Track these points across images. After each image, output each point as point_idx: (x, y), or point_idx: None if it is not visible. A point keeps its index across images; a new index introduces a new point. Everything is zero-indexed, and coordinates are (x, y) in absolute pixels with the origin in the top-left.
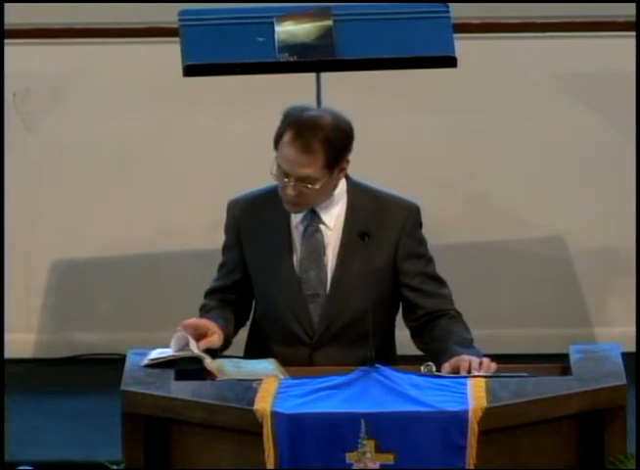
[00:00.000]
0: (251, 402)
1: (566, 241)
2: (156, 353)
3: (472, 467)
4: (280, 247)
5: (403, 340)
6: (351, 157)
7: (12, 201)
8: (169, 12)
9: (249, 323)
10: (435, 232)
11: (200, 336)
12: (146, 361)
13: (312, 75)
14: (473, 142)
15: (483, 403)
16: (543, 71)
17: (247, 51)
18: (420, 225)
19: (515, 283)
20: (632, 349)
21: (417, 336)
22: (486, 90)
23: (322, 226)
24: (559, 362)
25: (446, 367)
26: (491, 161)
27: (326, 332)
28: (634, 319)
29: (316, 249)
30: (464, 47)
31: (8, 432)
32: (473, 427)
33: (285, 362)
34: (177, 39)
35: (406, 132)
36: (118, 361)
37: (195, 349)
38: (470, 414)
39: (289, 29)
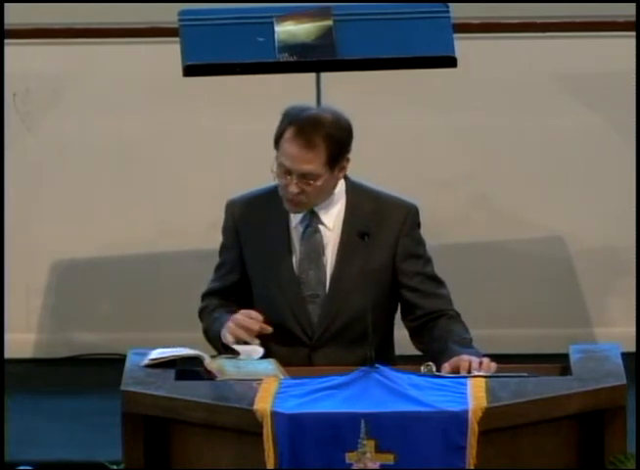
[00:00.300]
0: (251, 402)
1: (566, 241)
2: (156, 353)
3: (472, 467)
4: (279, 247)
5: (402, 340)
6: (351, 157)
7: (12, 201)
8: (169, 12)
9: None
10: (435, 232)
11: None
12: (146, 361)
13: (312, 75)
14: (473, 142)
15: (483, 403)
16: (543, 71)
17: (247, 51)
18: (418, 225)
19: (515, 283)
20: (632, 349)
21: (416, 336)
22: (486, 90)
23: (321, 227)
24: (559, 362)
25: (446, 367)
26: (491, 161)
27: (325, 332)
28: (634, 319)
29: (315, 249)
30: (464, 47)
31: (8, 432)
32: (473, 427)
33: (284, 363)
34: (177, 39)
35: (406, 132)
36: (118, 361)
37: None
38: (470, 414)
39: (289, 29)
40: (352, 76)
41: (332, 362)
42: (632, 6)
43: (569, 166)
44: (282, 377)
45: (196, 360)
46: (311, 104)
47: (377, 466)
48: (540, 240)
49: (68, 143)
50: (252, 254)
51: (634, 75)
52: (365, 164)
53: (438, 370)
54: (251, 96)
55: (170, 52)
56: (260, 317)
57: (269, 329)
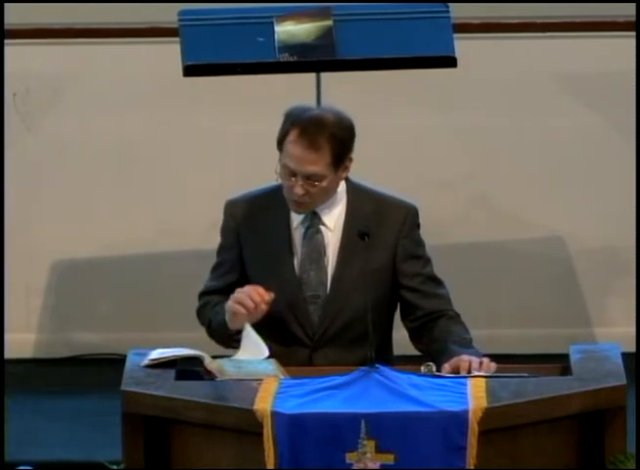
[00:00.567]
0: (252, 402)
1: (566, 241)
2: (156, 354)
3: (472, 467)
4: (280, 248)
5: (401, 340)
6: (352, 156)
7: (12, 201)
8: (169, 12)
9: None
10: (435, 232)
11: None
12: (146, 361)
13: (312, 75)
14: (473, 142)
15: (483, 403)
16: (543, 71)
17: (247, 51)
18: (418, 226)
19: (515, 283)
20: (632, 349)
21: (416, 337)
22: (486, 90)
23: (323, 227)
24: (559, 362)
25: (446, 367)
26: (491, 161)
27: (325, 333)
28: (634, 319)
29: (317, 250)
30: (464, 47)
31: (8, 432)
32: (473, 427)
33: (284, 363)
34: (177, 39)
35: (406, 132)
36: (118, 361)
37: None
38: (470, 414)
39: (289, 29)
40: (352, 76)
41: (332, 363)
42: (632, 6)
43: (569, 166)
44: (282, 377)
45: (196, 360)
46: (312, 104)
47: (377, 466)
48: (540, 240)
49: (68, 143)
50: (253, 254)
51: (634, 75)
52: (365, 165)
53: (439, 370)
54: (252, 96)
55: (170, 52)
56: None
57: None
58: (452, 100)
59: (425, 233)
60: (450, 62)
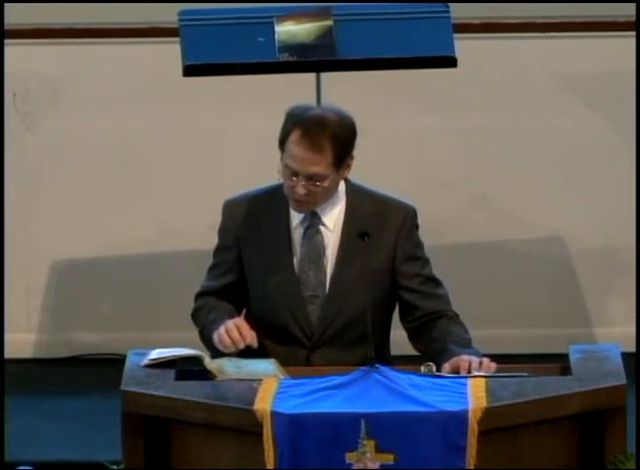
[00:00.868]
0: (251, 402)
1: (566, 241)
2: (156, 354)
3: (472, 467)
4: (280, 248)
5: (398, 340)
6: (353, 154)
7: (12, 201)
8: (169, 12)
9: None
10: (435, 232)
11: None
12: (146, 361)
13: (312, 75)
14: (473, 142)
15: (483, 403)
16: (543, 71)
17: (247, 51)
18: (417, 227)
19: (515, 283)
20: (632, 349)
21: (415, 337)
22: (487, 90)
23: (322, 228)
24: (559, 362)
25: (446, 367)
26: (491, 161)
27: (324, 333)
28: (634, 319)
29: (316, 250)
30: (464, 47)
31: (8, 432)
32: (473, 427)
33: (282, 363)
34: (177, 39)
35: (406, 132)
36: (118, 361)
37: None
38: (470, 414)
39: (289, 29)
40: (352, 76)
41: (330, 363)
42: (632, 6)
43: (569, 166)
44: (282, 377)
45: (196, 360)
46: (313, 103)
47: (377, 466)
48: (540, 240)
49: (68, 143)
50: (252, 254)
51: (634, 75)
52: (365, 165)
53: (438, 370)
54: (252, 96)
55: (170, 52)
56: (249, 334)
57: (254, 345)
58: (452, 100)
59: (425, 233)
60: (450, 62)
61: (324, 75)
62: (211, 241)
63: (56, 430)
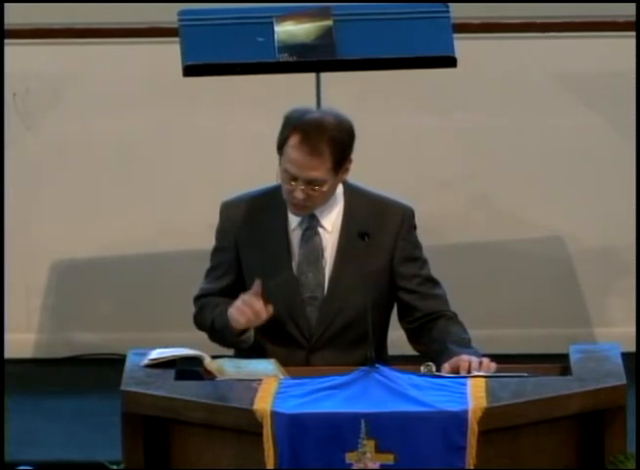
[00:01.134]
0: (251, 402)
1: (566, 241)
2: (156, 354)
3: (472, 467)
4: (278, 250)
5: (397, 341)
6: (352, 156)
7: (12, 201)
8: (169, 12)
9: None
10: (435, 232)
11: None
12: (146, 361)
13: (312, 75)
14: (473, 142)
15: (483, 403)
16: (543, 71)
17: (247, 51)
18: (415, 228)
19: (515, 283)
20: (632, 349)
21: (414, 338)
22: (487, 90)
23: (320, 229)
24: (559, 362)
25: (446, 367)
26: (491, 161)
27: (323, 335)
28: (634, 319)
29: (315, 252)
30: (464, 47)
31: (8, 432)
32: (473, 427)
33: (281, 365)
34: (177, 39)
35: (406, 132)
36: (118, 361)
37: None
38: (470, 414)
39: (289, 29)
40: (352, 76)
41: (329, 365)
42: (632, 6)
43: (569, 166)
44: (282, 377)
45: (196, 360)
46: (311, 106)
47: (377, 466)
48: (540, 240)
49: (68, 143)
50: (250, 256)
51: (634, 75)
52: (365, 165)
53: (438, 370)
54: (251, 96)
55: (170, 52)
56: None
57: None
58: (452, 100)
59: (424, 233)
60: (450, 62)
61: (324, 75)
62: (211, 241)
63: (56, 430)
